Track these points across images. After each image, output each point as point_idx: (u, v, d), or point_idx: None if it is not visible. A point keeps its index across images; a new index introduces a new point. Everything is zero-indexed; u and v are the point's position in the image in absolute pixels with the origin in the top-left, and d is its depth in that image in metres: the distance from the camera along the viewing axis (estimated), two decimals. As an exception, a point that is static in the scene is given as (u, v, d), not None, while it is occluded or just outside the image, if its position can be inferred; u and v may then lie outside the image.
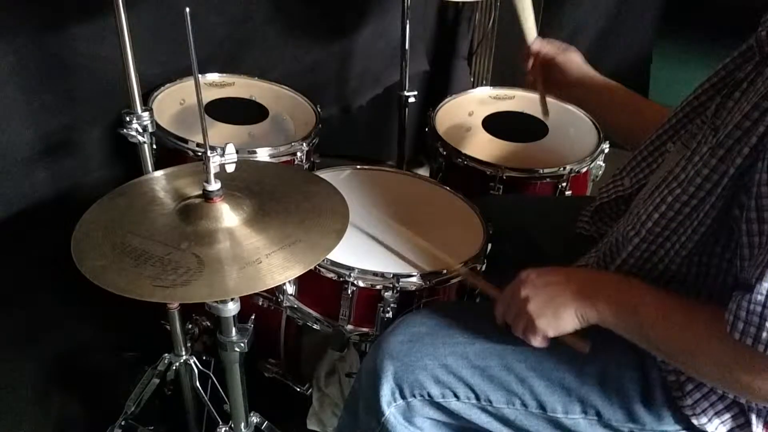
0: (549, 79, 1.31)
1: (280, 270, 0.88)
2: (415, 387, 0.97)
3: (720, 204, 0.81)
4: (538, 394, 0.95)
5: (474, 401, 0.97)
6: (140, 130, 1.13)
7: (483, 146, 1.65)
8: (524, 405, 0.96)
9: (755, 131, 0.76)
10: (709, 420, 0.89)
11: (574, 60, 1.28)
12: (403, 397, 0.98)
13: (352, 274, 1.18)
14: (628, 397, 0.93)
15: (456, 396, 0.97)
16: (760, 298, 0.74)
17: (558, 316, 0.90)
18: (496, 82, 1.87)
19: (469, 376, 0.97)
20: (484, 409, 0.97)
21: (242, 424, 1.19)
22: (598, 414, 0.94)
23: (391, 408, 0.98)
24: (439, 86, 2.31)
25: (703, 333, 0.81)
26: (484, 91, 1.82)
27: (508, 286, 0.96)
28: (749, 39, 0.85)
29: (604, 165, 1.64)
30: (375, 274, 1.19)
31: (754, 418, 0.88)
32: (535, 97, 1.75)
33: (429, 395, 0.97)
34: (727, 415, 0.89)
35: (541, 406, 0.95)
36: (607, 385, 0.94)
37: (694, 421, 0.90)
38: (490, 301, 1.03)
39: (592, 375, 0.95)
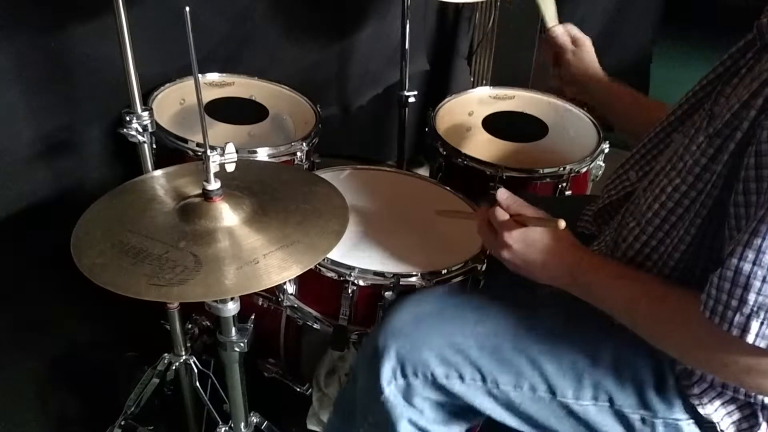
0: (558, 70, 1.33)
1: (277, 270, 0.87)
2: (418, 366, 0.96)
3: (717, 192, 0.80)
4: (549, 377, 0.94)
5: (480, 383, 0.96)
6: (140, 129, 1.13)
7: (483, 146, 1.65)
8: (533, 388, 0.95)
9: (748, 116, 0.76)
10: (716, 410, 0.89)
11: (580, 60, 1.28)
12: (404, 376, 0.97)
13: (352, 274, 1.18)
14: (641, 383, 0.92)
15: (461, 377, 0.96)
16: (729, 273, 0.73)
17: (527, 272, 0.96)
18: (496, 82, 1.87)
19: (478, 356, 0.95)
20: (489, 393, 0.96)
21: (242, 424, 1.19)
22: (610, 399, 0.93)
23: (391, 387, 0.97)
24: (439, 86, 2.31)
25: (676, 314, 0.82)
26: (483, 91, 1.82)
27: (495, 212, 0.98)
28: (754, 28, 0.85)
29: (604, 165, 1.64)
30: (375, 273, 1.19)
31: (759, 410, 0.88)
32: (535, 96, 1.77)
33: (432, 375, 0.96)
34: (733, 406, 0.89)
35: (551, 390, 0.94)
36: (621, 370, 0.93)
37: (701, 411, 0.89)
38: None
39: (606, 359, 0.94)
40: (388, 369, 0.97)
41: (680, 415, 0.91)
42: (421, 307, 1.01)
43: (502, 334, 0.97)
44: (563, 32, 1.30)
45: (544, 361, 0.95)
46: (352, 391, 1.07)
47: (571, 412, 0.95)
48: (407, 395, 0.98)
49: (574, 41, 1.30)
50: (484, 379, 0.96)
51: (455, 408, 1.00)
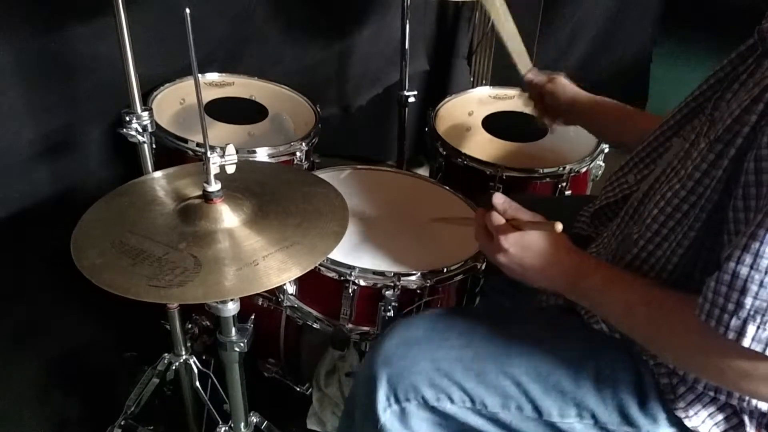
0: (543, 106, 1.39)
1: (276, 272, 0.88)
2: (409, 391, 0.97)
3: (717, 197, 0.80)
4: (534, 398, 0.95)
5: (469, 405, 0.96)
6: (140, 129, 1.13)
7: (483, 146, 1.65)
8: (519, 409, 0.95)
9: (749, 122, 0.76)
10: (702, 422, 0.89)
11: (560, 86, 1.34)
12: (398, 401, 0.97)
13: (353, 273, 1.18)
14: (622, 399, 0.93)
15: (450, 400, 0.96)
16: (726, 277, 0.73)
17: (524, 276, 0.96)
18: (496, 82, 1.87)
19: (464, 380, 0.96)
20: (479, 413, 0.97)
21: (242, 424, 1.19)
22: (594, 417, 0.94)
23: (387, 413, 0.97)
24: (439, 86, 2.31)
25: (674, 318, 0.82)
26: (483, 91, 1.82)
27: (492, 217, 0.97)
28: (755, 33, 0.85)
29: (603, 165, 1.65)
30: (376, 272, 1.19)
31: (746, 418, 0.88)
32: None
33: (423, 398, 0.97)
34: (720, 416, 0.89)
35: (537, 410, 0.95)
36: (602, 388, 0.94)
37: (687, 423, 0.89)
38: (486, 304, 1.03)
39: (587, 378, 0.94)
40: (382, 396, 0.97)
41: (665, 429, 0.92)
42: (409, 333, 1.02)
43: (487, 357, 0.98)
44: (537, 72, 1.40)
45: (528, 382, 0.95)
46: (354, 411, 1.07)
47: (559, 431, 0.96)
48: (403, 419, 0.99)
49: (549, 78, 1.37)
50: (472, 401, 0.96)
51: (451, 427, 1.01)
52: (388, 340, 1.01)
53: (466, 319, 1.05)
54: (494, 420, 0.97)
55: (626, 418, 0.93)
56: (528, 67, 1.43)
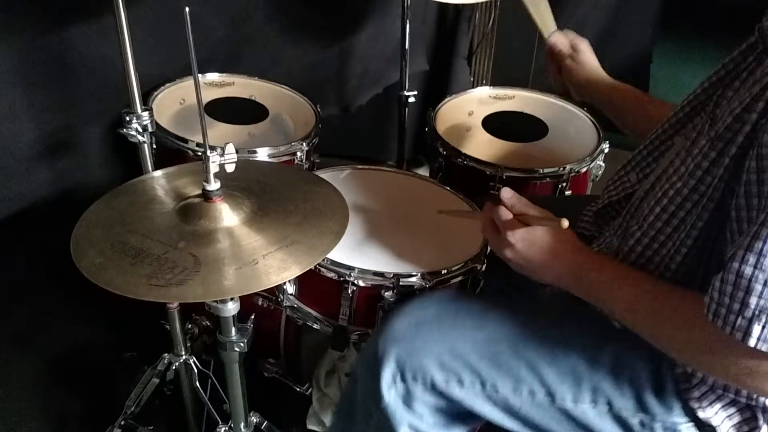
0: (561, 76, 1.36)
1: (276, 271, 0.88)
2: (418, 372, 0.96)
3: (719, 196, 0.80)
4: (548, 382, 0.94)
5: (479, 388, 0.96)
6: (140, 129, 1.13)
7: (483, 146, 1.65)
8: (531, 393, 0.95)
9: (749, 120, 0.76)
10: (715, 413, 0.89)
11: (580, 65, 1.31)
12: (404, 381, 0.97)
13: (352, 274, 1.18)
14: (639, 386, 0.92)
15: (460, 382, 0.96)
16: (731, 277, 0.74)
17: (530, 271, 0.96)
18: (496, 82, 1.87)
19: (477, 362, 0.96)
20: (488, 397, 0.96)
21: (242, 424, 1.19)
22: (609, 403, 0.93)
23: (391, 392, 0.97)
24: (439, 86, 2.31)
25: (679, 316, 0.82)
26: (483, 91, 1.82)
27: (498, 211, 0.98)
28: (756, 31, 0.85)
29: (604, 165, 1.64)
30: (375, 273, 1.19)
31: (759, 413, 0.88)
32: (535, 96, 1.77)
33: (432, 381, 0.96)
34: (732, 409, 0.89)
35: (550, 394, 0.94)
36: (619, 374, 0.93)
37: (700, 414, 0.89)
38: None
39: (604, 363, 0.94)
40: (388, 374, 0.97)
41: (679, 419, 0.91)
42: (420, 313, 1.01)
43: (501, 340, 0.97)
44: (562, 39, 1.34)
45: (542, 365, 0.95)
46: (353, 392, 1.07)
47: (570, 416, 0.95)
48: (407, 400, 0.98)
49: (573, 46, 1.33)
50: (483, 384, 0.96)
51: (455, 412, 1.01)
52: (399, 319, 1.00)
53: (479, 301, 1.05)
54: (503, 405, 0.97)
55: (642, 405, 0.92)
56: (551, 30, 1.35)
